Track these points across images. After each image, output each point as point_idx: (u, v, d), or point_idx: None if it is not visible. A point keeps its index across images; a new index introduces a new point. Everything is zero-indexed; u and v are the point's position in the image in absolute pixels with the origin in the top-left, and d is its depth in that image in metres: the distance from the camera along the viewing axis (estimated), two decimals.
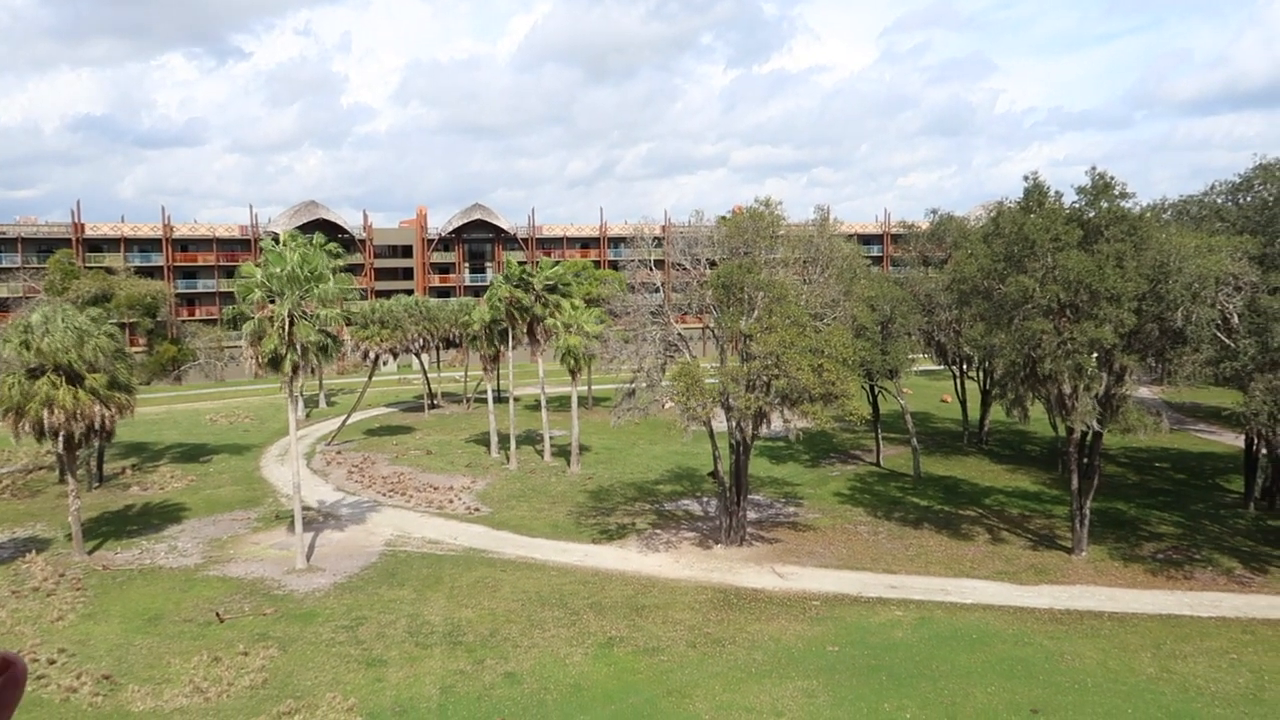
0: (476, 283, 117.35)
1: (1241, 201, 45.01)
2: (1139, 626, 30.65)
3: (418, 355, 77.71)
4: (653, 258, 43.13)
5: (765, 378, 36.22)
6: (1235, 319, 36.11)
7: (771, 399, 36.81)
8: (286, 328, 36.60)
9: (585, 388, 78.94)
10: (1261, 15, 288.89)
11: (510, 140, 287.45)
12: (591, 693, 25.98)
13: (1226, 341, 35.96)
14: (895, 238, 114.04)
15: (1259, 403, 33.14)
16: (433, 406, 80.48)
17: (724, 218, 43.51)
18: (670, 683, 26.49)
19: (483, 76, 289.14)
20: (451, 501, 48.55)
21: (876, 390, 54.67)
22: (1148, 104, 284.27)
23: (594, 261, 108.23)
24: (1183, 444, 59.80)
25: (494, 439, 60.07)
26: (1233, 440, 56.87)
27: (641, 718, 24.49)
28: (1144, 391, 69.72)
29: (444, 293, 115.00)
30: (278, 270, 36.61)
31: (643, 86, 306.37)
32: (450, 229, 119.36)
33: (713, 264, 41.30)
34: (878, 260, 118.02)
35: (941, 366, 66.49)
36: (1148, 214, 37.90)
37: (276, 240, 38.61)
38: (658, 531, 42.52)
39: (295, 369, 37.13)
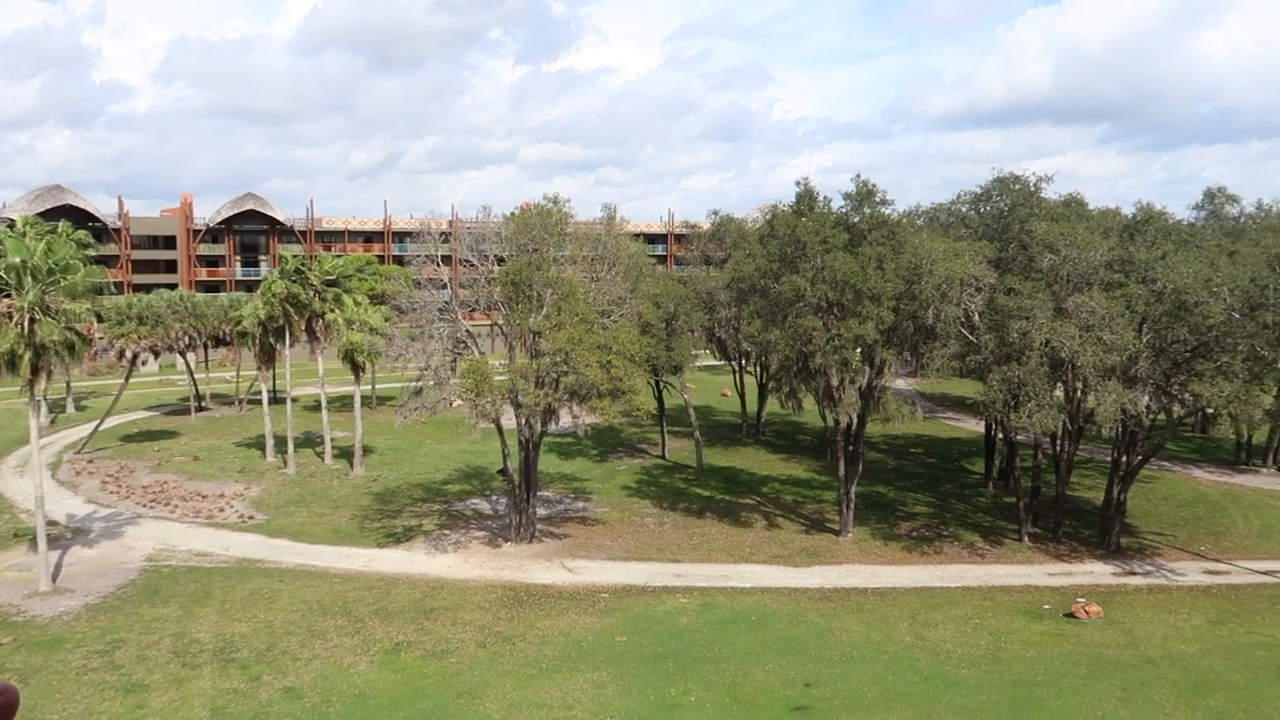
0: (250, 277, 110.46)
1: (982, 210, 49.91)
2: (898, 600, 33.36)
3: (183, 354, 72.19)
4: (440, 253, 42.29)
5: (554, 374, 36.44)
6: (976, 317, 40.02)
7: (560, 395, 37.08)
8: (26, 324, 32.96)
9: (369, 387, 76.21)
10: (999, 44, 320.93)
11: (287, 127, 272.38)
12: (377, 701, 25.20)
13: (970, 337, 39.76)
14: (679, 237, 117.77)
15: (995, 392, 36.87)
16: (201, 409, 75.03)
17: (512, 214, 43.31)
18: (460, 685, 26.14)
19: (257, 58, 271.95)
20: (222, 510, 45.51)
21: (662, 385, 56.29)
22: (904, 119, 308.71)
23: (378, 256, 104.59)
24: (934, 431, 65.56)
25: (270, 442, 56.83)
26: (975, 426, 62.97)
27: None
28: (901, 383, 75.85)
29: (213, 287, 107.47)
30: (17, 261, 32.90)
31: (430, 78, 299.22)
32: (220, 219, 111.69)
33: (501, 261, 41.04)
34: (662, 259, 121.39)
35: (722, 362, 69.45)
36: (904, 220, 41.24)
37: (12, 227, 34.66)
38: (446, 532, 41.79)
39: (36, 370, 33.51)
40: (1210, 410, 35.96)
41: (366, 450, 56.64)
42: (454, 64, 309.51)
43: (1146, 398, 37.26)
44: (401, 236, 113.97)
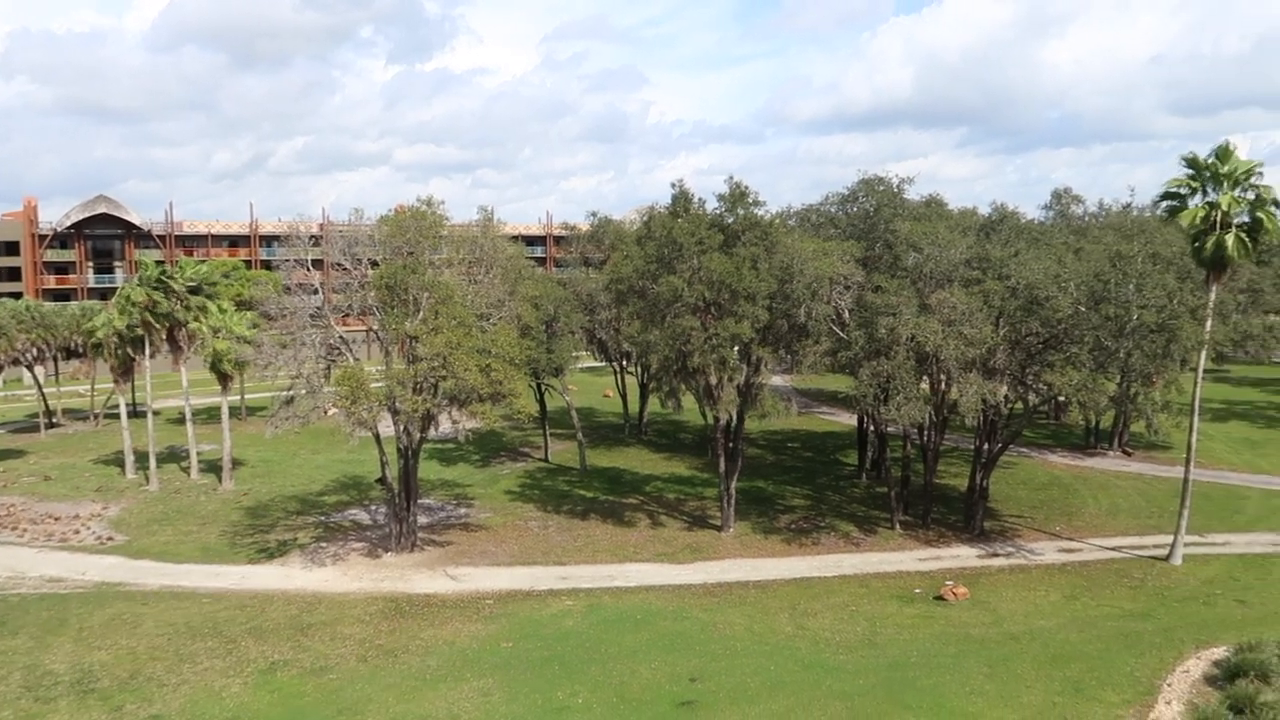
0: (104, 284, 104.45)
1: (849, 211, 51.65)
2: (778, 591, 34.18)
3: (30, 367, 67.70)
4: (310, 257, 40.98)
5: (433, 379, 35.81)
6: (846, 314, 41.41)
7: (439, 400, 36.48)
8: None
9: (238, 397, 73.13)
10: (863, 51, 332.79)
11: (143, 126, 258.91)
12: None
13: (840, 334, 41.11)
14: (558, 239, 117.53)
15: (866, 386, 38.25)
16: (52, 425, 70.43)
17: (386, 217, 42.34)
18: (341, 701, 25.38)
19: (109, 53, 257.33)
20: (78, 532, 42.86)
21: (543, 388, 56.06)
22: (776, 122, 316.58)
23: (245, 261, 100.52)
24: (809, 425, 67.49)
25: (130, 458, 53.85)
26: (848, 420, 65.15)
27: None
28: (777, 380, 77.75)
29: (63, 295, 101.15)
30: None
31: (298, 76, 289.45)
32: (69, 223, 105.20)
33: (375, 264, 40.06)
34: (541, 261, 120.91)
35: (603, 363, 69.67)
36: (776, 221, 42.29)
37: None
38: (323, 545, 40.50)
39: None
40: (1061, 398, 38.25)
41: (236, 463, 54.35)
42: (323, 62, 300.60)
43: (1005, 388, 39.32)
44: (270, 240, 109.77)
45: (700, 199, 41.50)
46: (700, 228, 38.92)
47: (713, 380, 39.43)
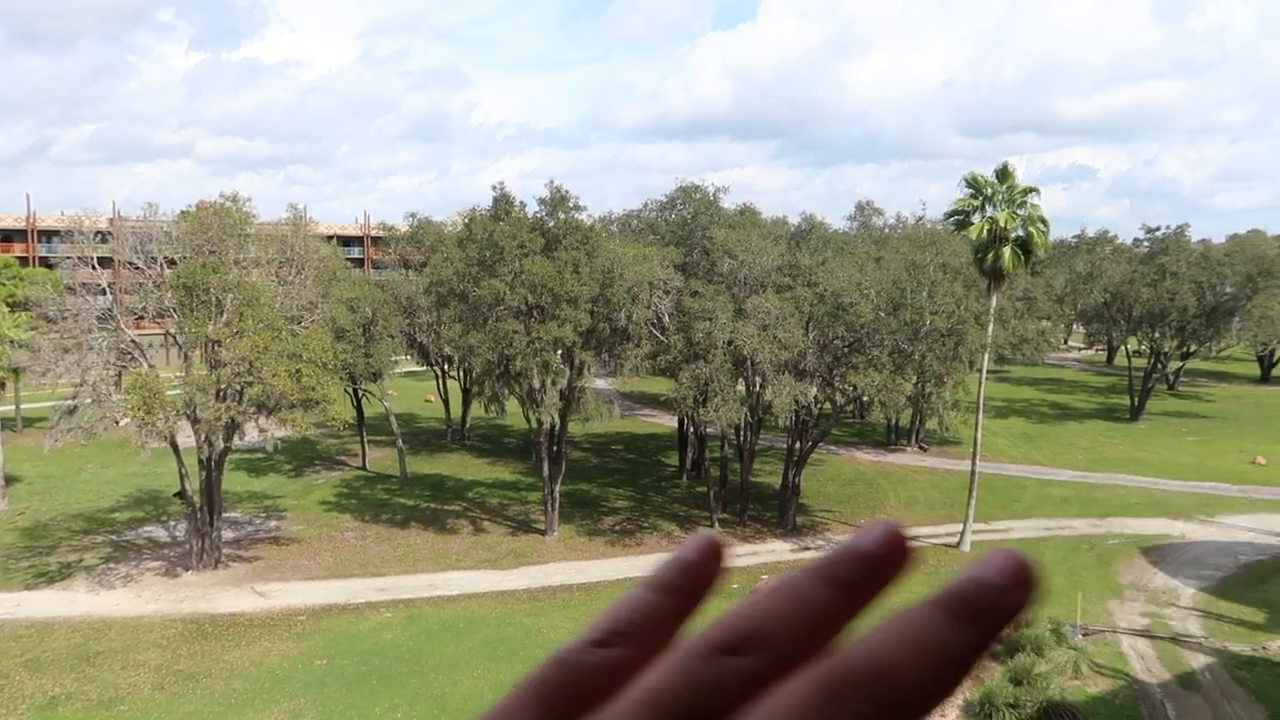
0: None
1: (668, 218, 52.84)
2: (602, 593, 34.45)
3: None
4: (97, 255, 37.84)
5: (238, 385, 33.85)
6: (666, 318, 42.32)
7: (245, 408, 34.52)
8: None
9: (11, 407, 66.46)
10: (683, 62, 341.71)
11: None
12: None
13: (660, 338, 41.97)
14: (376, 240, 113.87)
15: (685, 389, 39.22)
16: None
17: (186, 213, 39.67)
18: None
19: None
20: None
21: (360, 393, 54.11)
22: (600, 128, 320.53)
23: (19, 258, 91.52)
24: (632, 428, 68.45)
25: None
26: (669, 421, 66.53)
27: None
28: (600, 383, 78.42)
29: None
30: None
31: (85, 59, 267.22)
32: None
33: (172, 263, 37.46)
34: (359, 262, 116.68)
35: (424, 367, 68.04)
36: (598, 225, 42.72)
37: None
38: (114, 565, 37.43)
39: None
40: (865, 398, 40.61)
41: (10, 480, 49.33)
42: (115, 44, 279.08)
43: (815, 389, 41.35)
44: (50, 235, 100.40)
45: (522, 202, 41.37)
46: (522, 231, 38.74)
47: (536, 384, 39.31)
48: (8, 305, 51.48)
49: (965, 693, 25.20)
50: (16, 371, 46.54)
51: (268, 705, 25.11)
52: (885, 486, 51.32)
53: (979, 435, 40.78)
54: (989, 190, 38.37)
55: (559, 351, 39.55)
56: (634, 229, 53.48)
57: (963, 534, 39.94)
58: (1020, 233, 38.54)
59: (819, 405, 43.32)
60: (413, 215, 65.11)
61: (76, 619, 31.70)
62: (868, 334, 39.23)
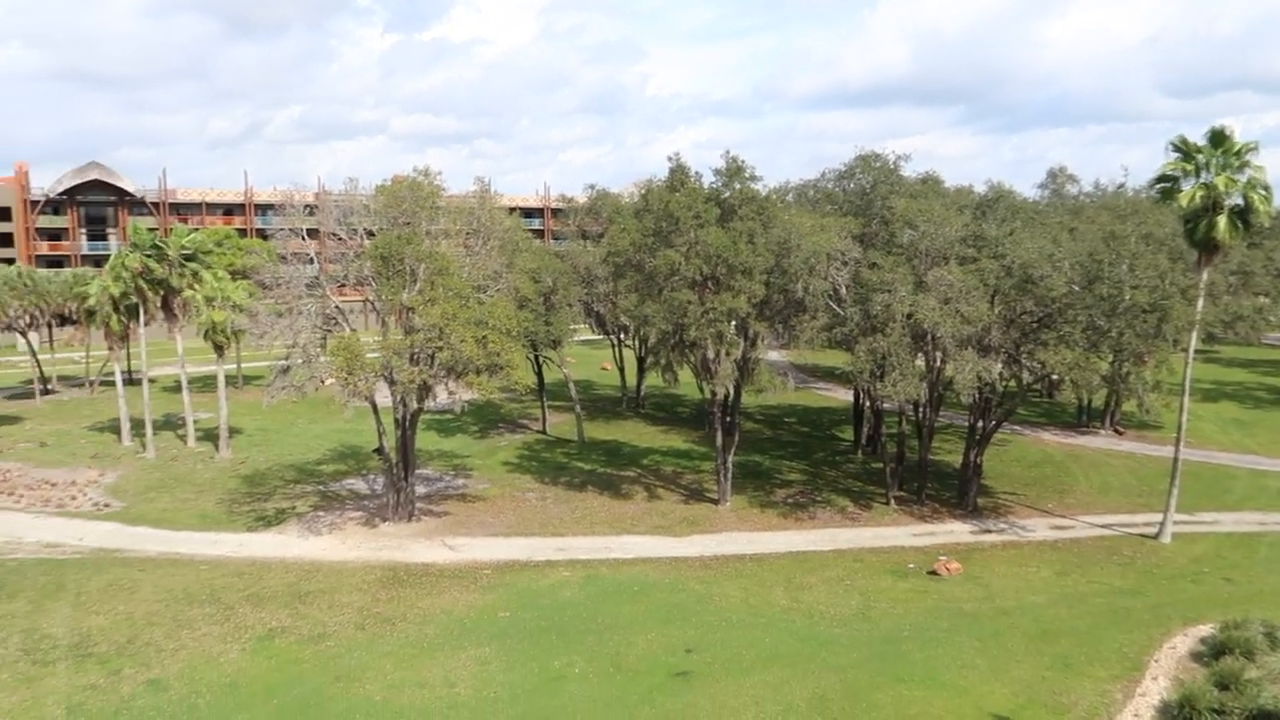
0: (97, 251, 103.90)
1: (846, 188, 51.56)
2: (773, 564, 34.50)
3: (23, 334, 67.54)
4: (305, 226, 40.84)
5: (429, 350, 35.85)
6: (843, 290, 41.48)
7: (436, 372, 36.54)
8: None
9: (234, 365, 73.08)
10: (863, 26, 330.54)
11: (136, 94, 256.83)
12: (250, 689, 24.46)
13: (837, 310, 41.20)
14: (555, 211, 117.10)
15: (862, 362, 38.39)
16: (46, 392, 70.37)
17: (382, 186, 42.14)
18: (338, 668, 25.64)
19: (102, 19, 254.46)
20: (75, 498, 42.99)
21: (541, 360, 56.12)
22: (774, 97, 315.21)
23: (239, 229, 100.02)
24: (806, 400, 67.74)
25: (126, 425, 53.90)
26: (844, 395, 65.38)
27: (307, 708, 23.50)
28: (774, 355, 77.91)
29: (57, 262, 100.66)
30: None
31: (294, 45, 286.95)
32: (61, 190, 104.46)
33: (371, 234, 39.94)
34: (539, 233, 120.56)
35: (601, 336, 69.71)
36: (773, 196, 42.23)
37: None
38: (321, 513, 40.70)
39: None
40: (1055, 376, 38.45)
41: (233, 431, 54.43)
42: (320, 31, 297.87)
43: (999, 366, 39.52)
44: (264, 209, 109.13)
45: (697, 173, 41.39)
46: (697, 201, 38.84)
47: (710, 354, 39.54)
48: (229, 273, 56.43)
49: (1163, 693, 23.73)
50: (238, 334, 51.08)
51: (456, 651, 26.73)
52: (1075, 470, 48.59)
53: (1184, 419, 37.88)
54: (1202, 155, 35.21)
55: (733, 322, 39.53)
56: (810, 199, 52.53)
57: (1163, 525, 37.36)
58: (1238, 200, 35.24)
59: (1004, 383, 41.41)
60: (590, 187, 66.53)
61: (290, 560, 34.75)
62: (1059, 309, 37.08)
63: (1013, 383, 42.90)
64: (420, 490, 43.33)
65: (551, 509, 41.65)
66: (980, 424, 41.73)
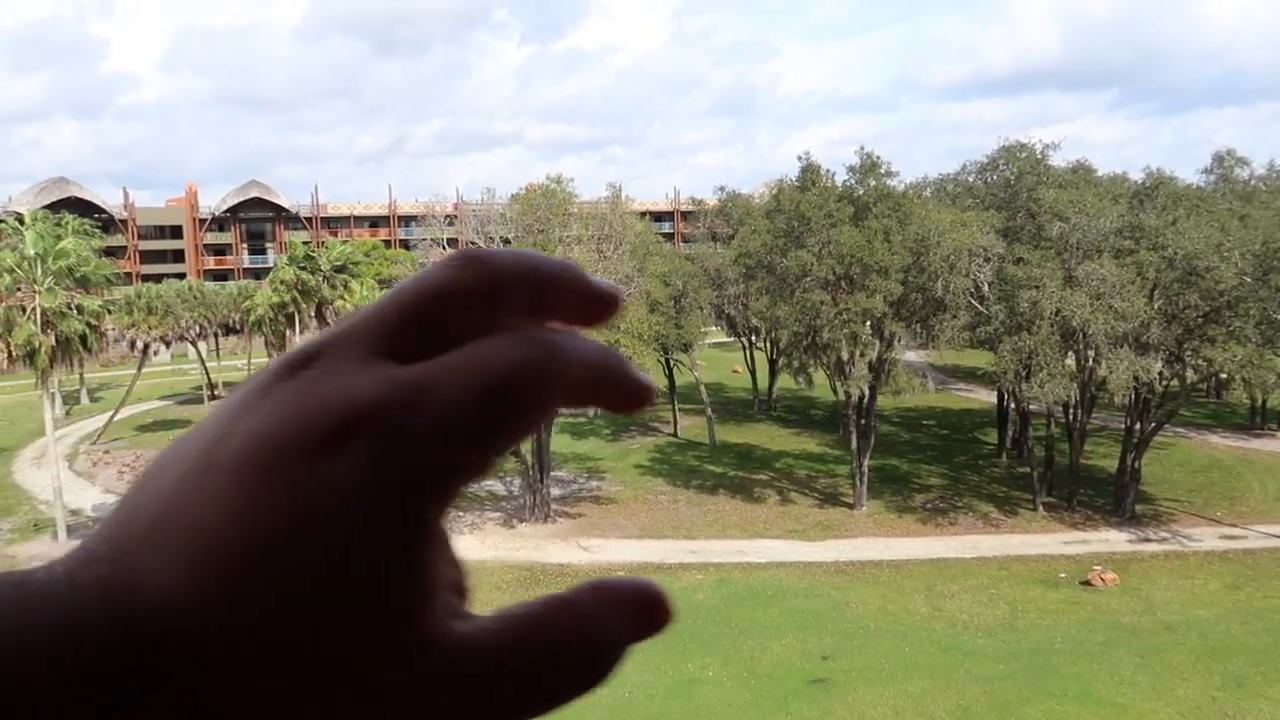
0: (257, 264, 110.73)
1: (989, 180, 49.59)
2: (913, 571, 33.44)
3: (194, 343, 72.62)
4: (446, 236, 42.36)
5: None
6: (986, 287, 39.85)
7: None
8: (39, 316, 33.21)
9: None
10: (1003, 10, 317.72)
11: (292, 114, 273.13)
12: None
13: (979, 308, 39.62)
14: (685, 214, 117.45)
15: (1007, 362, 36.78)
16: (214, 397, 75.48)
17: (516, 195, 43.28)
18: None
19: (261, 45, 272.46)
20: None
21: (672, 363, 56.30)
22: (910, 89, 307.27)
23: (384, 241, 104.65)
24: (946, 402, 65.44)
25: None
26: (987, 397, 62.80)
27: None
28: (911, 355, 75.65)
29: (221, 276, 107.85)
30: (33, 253, 33.10)
31: (434, 60, 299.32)
32: (225, 208, 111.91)
33: (507, 242, 41.03)
34: (669, 237, 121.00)
35: (732, 338, 69.44)
36: (910, 191, 41.08)
37: (21, 221, 34.87)
38: (461, 514, 42.01)
39: (52, 361, 33.80)
40: (1224, 375, 35.84)
41: None
42: (459, 45, 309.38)
43: (1159, 364, 37.11)
44: (407, 221, 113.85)
45: (829, 171, 40.73)
46: (829, 200, 38.14)
47: (844, 355, 38.71)
48: (376, 282, 59.11)
49: None
50: None
51: None
52: (1248, 476, 45.07)
53: None
54: None
55: (868, 323, 38.59)
56: (949, 193, 50.76)
57: None
58: None
59: (1164, 382, 38.85)
60: (720, 189, 66.28)
61: None
62: (1228, 302, 34.50)
63: (1175, 382, 40.22)
64: (555, 492, 44.16)
65: (684, 511, 41.67)
66: (1138, 426, 39.27)
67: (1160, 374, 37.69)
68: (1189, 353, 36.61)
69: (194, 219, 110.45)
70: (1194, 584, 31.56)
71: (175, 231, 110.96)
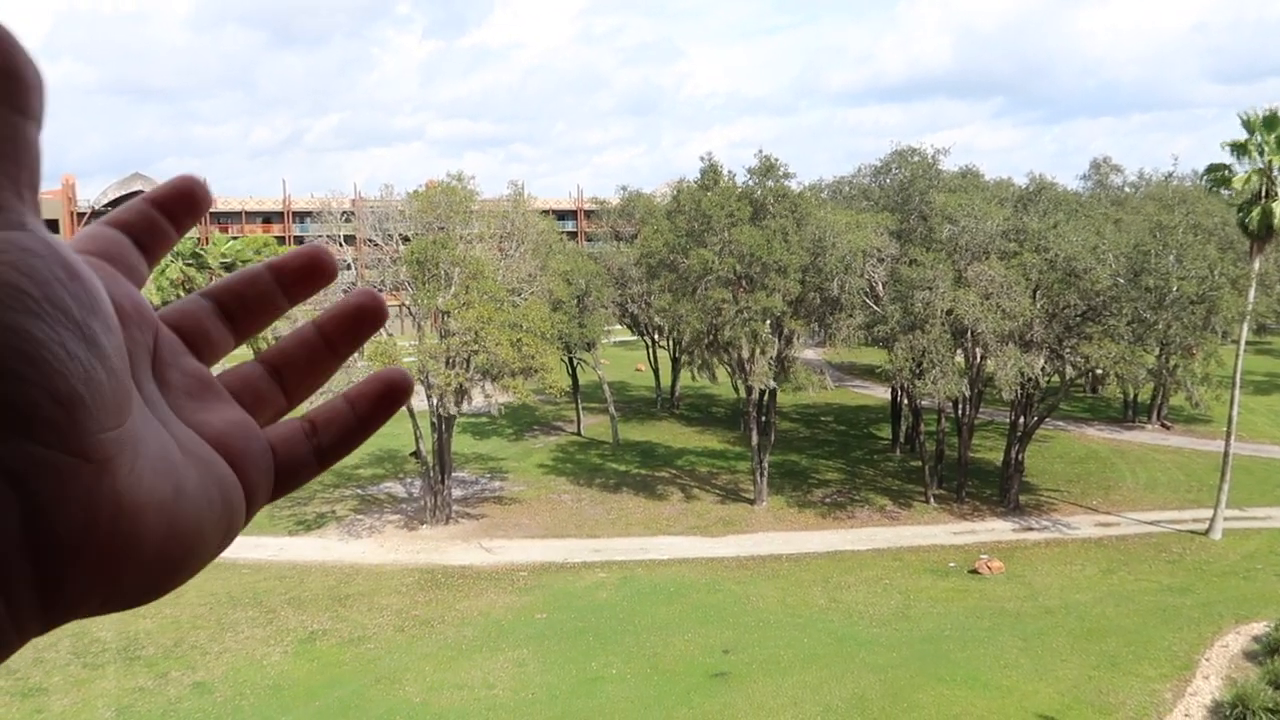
0: None
1: (883, 183, 51.05)
2: (811, 565, 34.20)
3: None
4: (342, 233, 41.29)
5: (465, 354, 36.03)
6: (881, 287, 41.03)
7: (472, 375, 36.71)
8: None
9: None
10: (898, 20, 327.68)
11: (183, 105, 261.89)
12: (293, 691, 24.71)
13: (875, 308, 40.75)
14: (589, 213, 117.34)
15: (901, 360, 37.94)
16: None
17: (416, 192, 42.49)
18: (378, 670, 25.83)
19: (152, 33, 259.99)
20: None
21: (575, 362, 56.18)
22: (809, 93, 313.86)
23: (278, 237, 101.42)
24: (843, 399, 67.09)
25: None
26: (882, 393, 64.66)
27: (348, 710, 23.69)
28: (810, 353, 77.31)
29: None
30: None
31: (335, 53, 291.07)
32: (105, 201, 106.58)
33: (406, 240, 40.26)
34: (573, 235, 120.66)
35: (635, 337, 69.70)
36: (807, 193, 41.91)
37: None
38: (360, 517, 41.06)
39: None
40: (1099, 371, 37.75)
41: None
42: (360, 39, 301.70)
43: (1042, 361, 38.85)
44: (302, 216, 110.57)
45: (730, 172, 41.27)
46: (730, 200, 38.66)
47: (745, 353, 39.31)
48: None
49: (1215, 692, 23.13)
50: (276, 339, 51.76)
51: (494, 652, 26.81)
52: (1121, 466, 47.61)
53: (1234, 413, 36.93)
54: (1259, 135, 34.29)
55: (768, 321, 39.28)
56: (845, 195, 52.09)
57: (1213, 520, 36.45)
58: None
59: (1046, 378, 40.69)
60: (623, 188, 66.49)
61: (330, 564, 35.08)
62: (1104, 302, 36.37)
63: (1055, 378, 42.16)
64: (457, 493, 43.56)
65: (587, 510, 41.64)
66: (1022, 420, 41.03)
67: (1043, 370, 39.45)
68: (1068, 350, 38.44)
69: (71, 213, 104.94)
70: (1072, 569, 33.16)
71: (51, 226, 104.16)
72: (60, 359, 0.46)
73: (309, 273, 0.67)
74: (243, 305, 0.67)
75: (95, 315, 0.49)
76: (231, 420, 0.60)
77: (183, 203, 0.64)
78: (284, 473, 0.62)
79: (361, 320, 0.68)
